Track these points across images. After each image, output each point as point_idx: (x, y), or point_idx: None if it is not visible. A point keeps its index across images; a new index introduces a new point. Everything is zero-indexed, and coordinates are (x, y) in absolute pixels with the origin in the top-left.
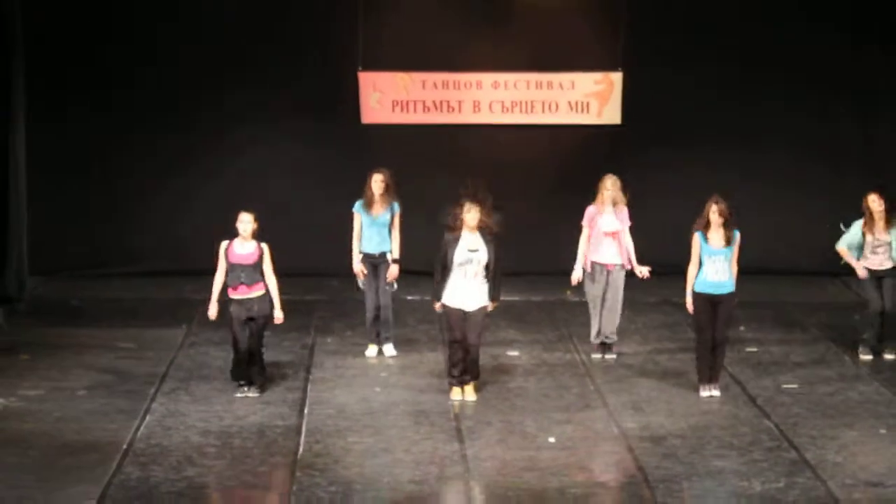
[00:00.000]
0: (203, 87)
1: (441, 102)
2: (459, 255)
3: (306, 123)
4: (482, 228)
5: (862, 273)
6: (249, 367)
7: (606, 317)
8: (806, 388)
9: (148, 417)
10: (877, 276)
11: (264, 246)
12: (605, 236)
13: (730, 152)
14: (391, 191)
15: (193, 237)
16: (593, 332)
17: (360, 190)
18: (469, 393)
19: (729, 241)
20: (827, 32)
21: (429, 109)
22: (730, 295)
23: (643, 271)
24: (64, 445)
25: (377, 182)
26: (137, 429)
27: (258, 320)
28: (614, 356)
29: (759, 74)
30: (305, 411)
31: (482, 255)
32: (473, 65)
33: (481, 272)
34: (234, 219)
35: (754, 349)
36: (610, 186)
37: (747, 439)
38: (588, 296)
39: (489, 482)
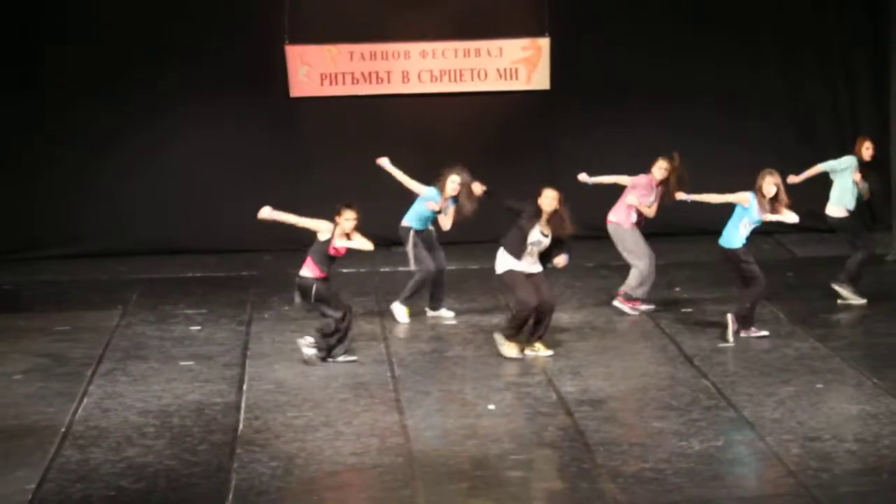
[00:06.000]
0: (132, 66)
1: (369, 73)
2: (534, 235)
3: (236, 99)
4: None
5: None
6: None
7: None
8: (742, 345)
9: (86, 400)
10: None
11: (354, 238)
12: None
13: (661, 112)
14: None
15: (127, 218)
16: (644, 284)
17: (293, 163)
18: (544, 348)
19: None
20: None
21: (357, 81)
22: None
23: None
24: (1, 430)
25: (452, 183)
26: (75, 411)
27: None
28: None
29: (687, 32)
30: (244, 387)
31: (548, 241)
32: (400, 35)
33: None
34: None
35: (690, 309)
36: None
37: (686, 399)
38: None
39: (430, 451)
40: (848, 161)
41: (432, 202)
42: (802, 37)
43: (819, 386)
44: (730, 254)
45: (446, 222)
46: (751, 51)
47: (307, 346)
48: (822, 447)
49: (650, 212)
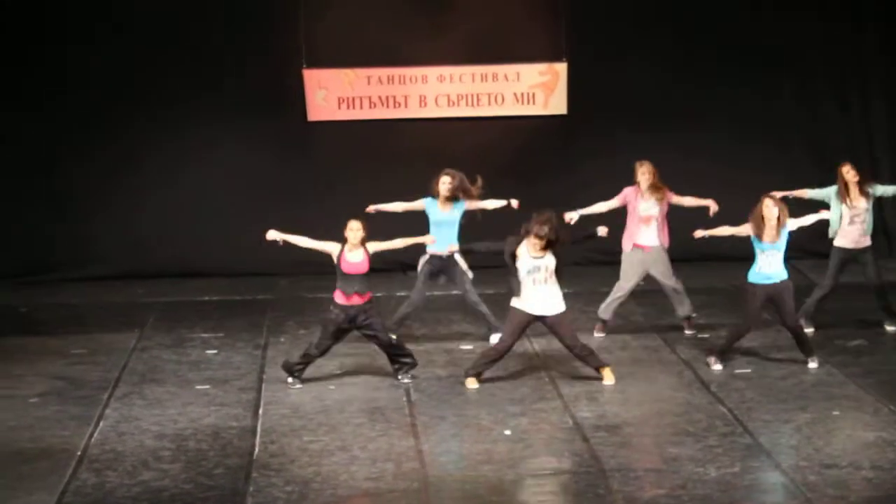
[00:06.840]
0: (148, 88)
1: (387, 98)
2: (524, 261)
3: (253, 122)
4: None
5: (801, 194)
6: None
7: (677, 297)
8: (758, 372)
9: (102, 423)
10: (849, 256)
11: (370, 247)
12: (641, 222)
13: (678, 136)
14: (458, 192)
15: (143, 241)
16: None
17: (310, 187)
18: (609, 376)
19: (779, 236)
20: (766, 10)
21: (375, 105)
22: (784, 282)
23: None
24: (17, 453)
25: (444, 185)
26: (91, 435)
27: (370, 324)
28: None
29: (702, 57)
30: (260, 412)
31: (548, 261)
32: (418, 59)
33: (550, 278)
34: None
35: (706, 335)
36: (646, 172)
37: (702, 425)
38: (629, 271)
39: (446, 476)
40: (827, 191)
41: (431, 237)
42: (817, 60)
43: (835, 413)
44: (745, 283)
45: (490, 203)
46: (766, 74)
47: (405, 378)
48: (838, 474)
49: (655, 212)
